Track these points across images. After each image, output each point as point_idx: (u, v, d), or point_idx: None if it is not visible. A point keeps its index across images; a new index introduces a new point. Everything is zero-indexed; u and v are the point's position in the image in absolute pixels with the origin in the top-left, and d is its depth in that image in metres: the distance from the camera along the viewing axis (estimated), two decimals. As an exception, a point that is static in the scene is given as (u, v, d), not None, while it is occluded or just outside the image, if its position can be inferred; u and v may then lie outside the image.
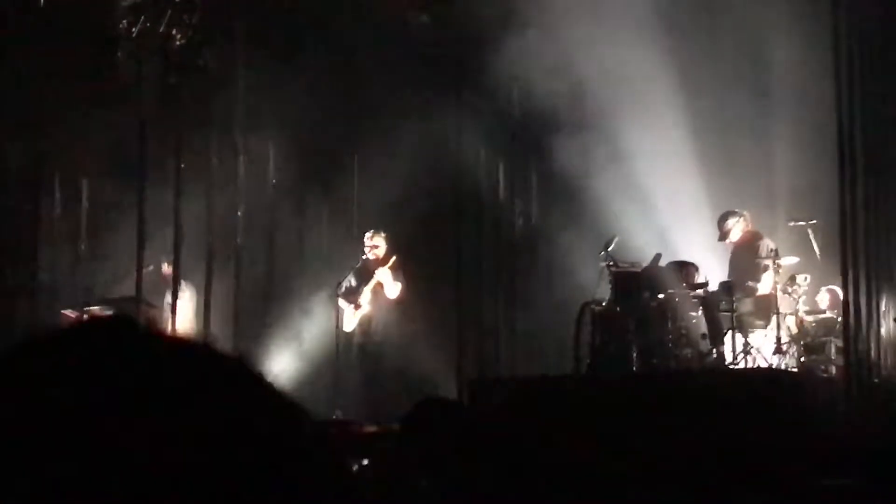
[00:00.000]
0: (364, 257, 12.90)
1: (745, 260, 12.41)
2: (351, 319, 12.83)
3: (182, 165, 12.64)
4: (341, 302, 12.88)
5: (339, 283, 12.92)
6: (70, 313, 12.03)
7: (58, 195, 13.01)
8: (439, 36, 13.98)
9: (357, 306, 12.81)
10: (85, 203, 13.12)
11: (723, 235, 12.55)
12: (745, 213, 12.58)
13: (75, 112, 12.54)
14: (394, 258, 12.82)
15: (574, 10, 13.26)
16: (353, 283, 12.83)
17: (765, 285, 12.16)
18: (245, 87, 13.28)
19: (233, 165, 13.21)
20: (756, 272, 12.28)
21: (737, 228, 12.49)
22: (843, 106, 11.21)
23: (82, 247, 13.23)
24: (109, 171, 13.07)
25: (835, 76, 11.23)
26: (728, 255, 12.66)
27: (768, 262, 12.15)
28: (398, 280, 12.77)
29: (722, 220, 12.58)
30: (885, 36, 12.20)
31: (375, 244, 12.88)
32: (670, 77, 13.56)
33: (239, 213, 13.22)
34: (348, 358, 12.79)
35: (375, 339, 12.70)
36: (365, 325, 12.81)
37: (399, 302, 12.77)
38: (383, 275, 12.75)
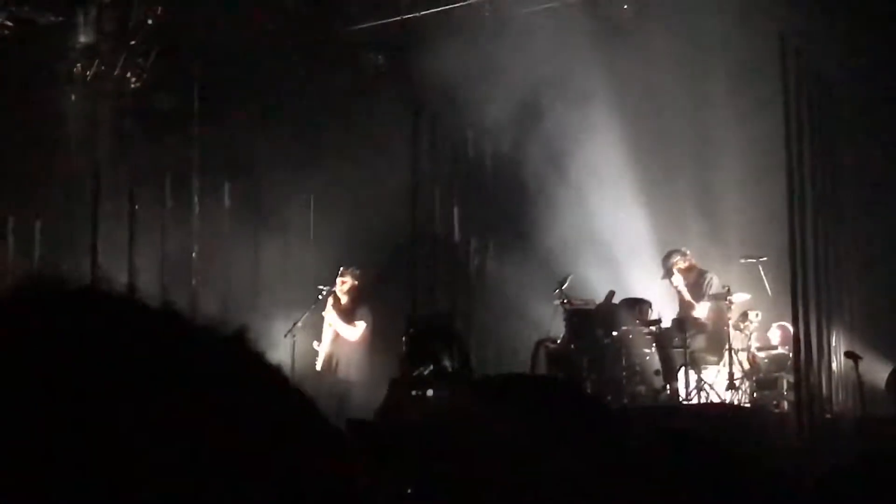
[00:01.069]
0: (320, 296, 12.93)
1: (693, 295, 12.54)
2: (319, 358, 12.88)
3: (136, 207, 12.63)
4: (315, 345, 12.94)
5: (295, 323, 12.94)
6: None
7: (11, 238, 12.95)
8: (394, 76, 14.09)
9: (319, 342, 12.89)
10: (38, 246, 13.06)
11: (666, 273, 12.69)
12: (687, 251, 12.73)
13: (29, 154, 12.51)
14: (337, 299, 12.86)
15: (527, 54, 13.41)
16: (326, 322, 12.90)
17: (705, 311, 12.32)
18: (199, 130, 13.29)
19: (187, 207, 13.20)
20: (703, 309, 12.43)
21: (679, 266, 12.62)
22: (792, 145, 11.36)
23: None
24: (63, 213, 13.03)
25: (784, 116, 11.38)
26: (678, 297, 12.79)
27: (713, 298, 12.32)
28: (360, 319, 12.79)
29: (665, 258, 12.74)
30: (833, 74, 12.41)
31: (343, 281, 12.93)
32: (621, 118, 13.71)
33: (193, 255, 13.21)
34: (315, 397, 12.73)
35: (339, 378, 12.70)
36: (328, 363, 12.83)
37: (359, 340, 12.79)
38: (330, 317, 12.82)
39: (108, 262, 12.41)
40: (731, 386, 11.85)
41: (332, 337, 12.84)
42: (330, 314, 12.82)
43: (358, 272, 13.05)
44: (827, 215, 12.08)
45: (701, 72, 13.43)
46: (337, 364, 12.77)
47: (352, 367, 12.72)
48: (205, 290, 13.42)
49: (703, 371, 12.00)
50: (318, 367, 12.82)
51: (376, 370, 12.48)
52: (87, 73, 12.62)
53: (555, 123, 13.73)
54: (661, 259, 12.83)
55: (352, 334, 12.75)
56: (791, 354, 11.57)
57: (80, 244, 12.60)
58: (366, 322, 12.81)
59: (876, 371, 12.09)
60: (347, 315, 12.87)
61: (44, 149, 12.56)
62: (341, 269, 13.02)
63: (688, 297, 12.47)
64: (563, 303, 12.14)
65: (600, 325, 11.82)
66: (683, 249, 12.75)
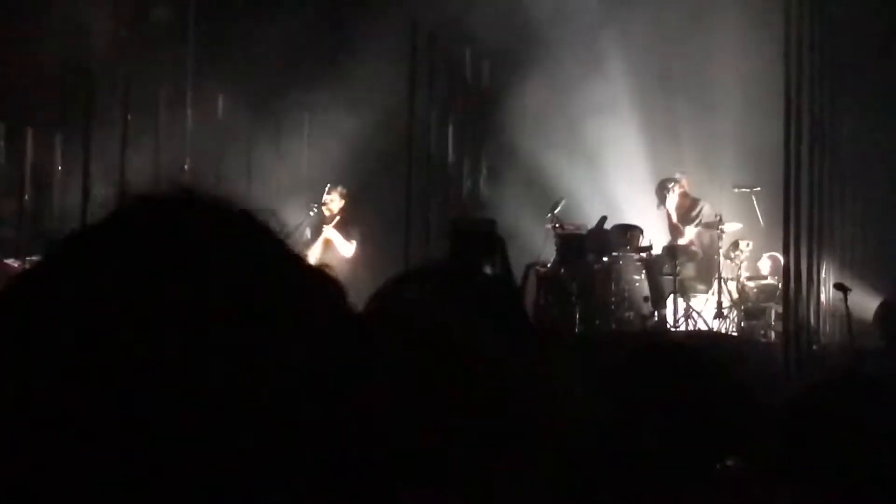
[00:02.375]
0: (312, 212, 12.89)
1: (684, 221, 12.55)
2: None
3: (129, 117, 12.55)
4: None
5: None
6: (13, 263, 11.95)
7: (2, 144, 12.87)
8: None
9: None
10: (30, 153, 13.00)
11: (661, 202, 12.69)
12: (682, 179, 12.71)
13: (22, 61, 12.41)
14: (337, 217, 12.83)
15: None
16: (308, 235, 12.87)
17: (692, 235, 12.36)
18: (195, 40, 13.18)
19: (181, 118, 13.13)
20: (696, 236, 12.46)
21: (674, 194, 12.61)
22: (790, 74, 11.31)
23: (26, 197, 13.12)
24: (57, 121, 12.96)
25: (784, 45, 11.32)
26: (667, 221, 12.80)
27: (705, 227, 12.35)
28: (353, 238, 12.78)
29: (659, 187, 12.73)
30: (834, 6, 12.32)
31: (331, 199, 12.88)
32: (617, 44, 13.63)
33: (186, 167, 13.15)
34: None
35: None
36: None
37: (349, 259, 12.78)
38: (331, 233, 12.79)
39: (99, 171, 12.36)
40: (719, 314, 11.91)
41: (319, 254, 12.82)
42: (330, 231, 12.76)
43: (345, 191, 13.00)
44: (822, 147, 12.05)
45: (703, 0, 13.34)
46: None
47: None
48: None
49: (691, 299, 12.05)
50: None
51: (361, 289, 12.46)
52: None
53: (554, 47, 13.64)
54: (656, 186, 12.81)
55: (348, 250, 12.73)
56: (780, 285, 11.61)
57: (73, 152, 12.54)
58: (356, 242, 12.80)
59: (864, 303, 12.15)
60: (341, 234, 12.85)
61: (37, 56, 12.45)
62: (328, 186, 12.98)
63: (675, 219, 12.49)
64: (554, 227, 12.13)
65: (591, 249, 11.82)
66: (678, 176, 12.74)
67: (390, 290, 1.73)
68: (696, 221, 12.45)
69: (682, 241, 12.37)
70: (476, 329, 1.58)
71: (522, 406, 1.57)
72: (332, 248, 12.78)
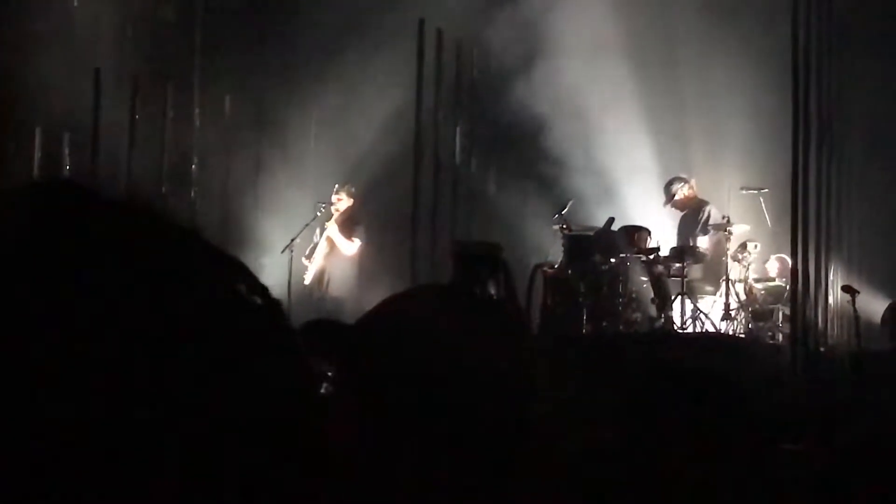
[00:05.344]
0: (320, 212, 12.92)
1: (692, 226, 12.56)
2: (309, 273, 12.89)
3: (136, 116, 12.56)
4: (304, 260, 12.94)
5: (293, 239, 12.93)
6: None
7: (13, 144, 12.88)
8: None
9: (310, 259, 12.88)
10: (38, 152, 13.01)
11: (667, 200, 12.71)
12: (690, 179, 12.72)
13: (31, 60, 12.42)
14: (337, 215, 12.84)
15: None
16: (317, 235, 12.91)
17: (705, 244, 12.34)
18: (203, 40, 13.19)
19: (188, 118, 13.13)
20: (702, 238, 12.44)
21: (681, 194, 12.62)
22: (798, 75, 11.29)
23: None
24: (64, 120, 12.96)
25: (792, 46, 11.30)
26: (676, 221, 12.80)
27: (713, 228, 12.32)
28: (356, 236, 12.78)
29: (667, 185, 12.75)
30: (843, 8, 12.31)
31: (339, 198, 12.92)
32: (628, 44, 13.62)
33: (193, 167, 13.16)
34: (304, 313, 12.76)
35: (330, 294, 12.71)
36: (318, 278, 12.85)
37: (353, 257, 12.79)
38: (332, 231, 12.82)
39: (107, 170, 12.37)
40: (726, 316, 11.86)
41: (325, 252, 12.84)
42: (332, 227, 12.81)
43: (353, 190, 13.02)
44: (830, 149, 12.03)
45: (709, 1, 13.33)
46: (329, 281, 12.77)
47: (344, 285, 12.72)
48: (204, 203, 13.39)
49: (699, 300, 12.01)
50: (307, 281, 12.83)
51: (365, 290, 12.47)
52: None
53: (562, 47, 13.62)
54: (664, 186, 12.82)
55: (349, 249, 12.75)
56: (788, 286, 11.58)
57: (81, 152, 12.54)
58: (360, 241, 12.81)
59: (872, 306, 12.13)
60: (342, 232, 12.87)
61: (45, 55, 12.46)
62: (336, 186, 12.99)
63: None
64: (562, 228, 12.11)
65: (599, 251, 11.79)
66: (685, 177, 12.75)
67: (387, 307, 1.72)
68: (704, 227, 12.44)
69: (702, 249, 12.36)
70: (466, 339, 1.58)
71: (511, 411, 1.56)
72: (336, 246, 12.82)
